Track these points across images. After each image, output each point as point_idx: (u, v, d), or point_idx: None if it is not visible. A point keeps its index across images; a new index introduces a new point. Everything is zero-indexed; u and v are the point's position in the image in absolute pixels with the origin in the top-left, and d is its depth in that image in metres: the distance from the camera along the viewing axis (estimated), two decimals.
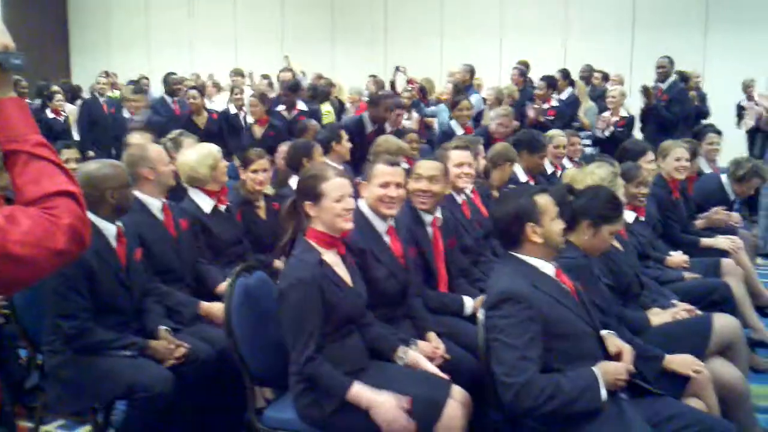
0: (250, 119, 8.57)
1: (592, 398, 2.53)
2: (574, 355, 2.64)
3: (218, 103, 10.41)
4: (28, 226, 1.48)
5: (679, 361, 3.11)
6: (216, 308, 3.72)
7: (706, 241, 5.21)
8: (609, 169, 3.89)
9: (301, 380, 2.82)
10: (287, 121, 8.53)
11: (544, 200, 2.78)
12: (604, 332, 2.89)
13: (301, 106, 8.99)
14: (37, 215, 1.51)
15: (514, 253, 2.80)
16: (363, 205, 3.48)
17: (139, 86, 9.39)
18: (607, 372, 2.63)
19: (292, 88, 9.16)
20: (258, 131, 7.93)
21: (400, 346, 3.09)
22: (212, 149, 4.38)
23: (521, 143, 5.89)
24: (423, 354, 3.15)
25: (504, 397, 2.54)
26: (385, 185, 3.40)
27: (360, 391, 2.76)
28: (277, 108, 8.87)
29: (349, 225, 2.97)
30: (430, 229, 3.84)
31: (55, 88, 10.24)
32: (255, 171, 4.67)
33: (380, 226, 3.46)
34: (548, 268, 2.79)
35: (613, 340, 2.90)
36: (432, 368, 3.04)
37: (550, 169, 6.44)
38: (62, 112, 9.33)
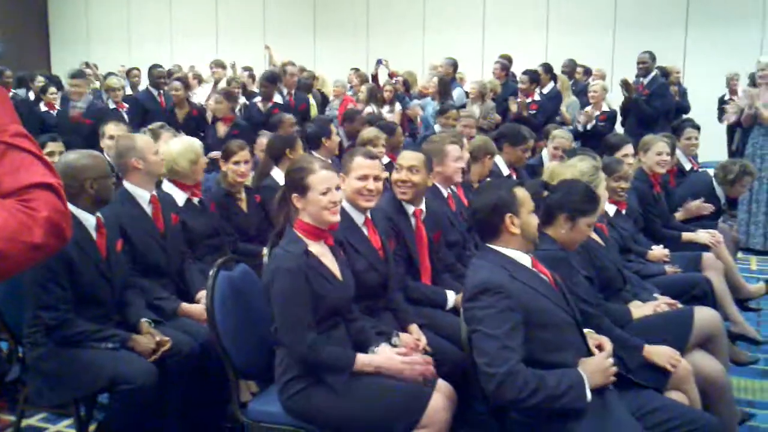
0: None
1: (577, 398, 2.53)
2: (555, 345, 2.65)
3: (200, 95, 10.33)
4: (2, 219, 1.41)
5: (658, 353, 3.13)
6: (196, 311, 3.71)
7: (687, 236, 5.25)
8: (591, 162, 3.90)
9: (302, 367, 2.82)
10: (263, 113, 8.35)
11: (522, 193, 2.81)
12: (585, 330, 2.89)
13: (278, 98, 8.76)
14: (12, 207, 1.44)
15: (491, 245, 2.81)
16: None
17: (79, 71, 9.12)
18: (592, 370, 2.63)
19: (270, 79, 8.78)
20: (222, 130, 7.60)
21: (374, 343, 3.07)
22: (195, 144, 4.36)
23: (504, 137, 5.91)
24: (406, 346, 3.15)
25: (487, 387, 2.54)
26: (364, 178, 3.41)
27: (363, 359, 2.86)
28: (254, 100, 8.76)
29: (335, 218, 2.97)
30: (413, 220, 3.84)
31: (40, 78, 10.10)
32: (236, 163, 4.65)
33: (358, 219, 3.48)
34: (525, 259, 2.80)
35: (591, 335, 2.91)
36: (399, 361, 2.95)
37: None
38: (56, 106, 9.19)
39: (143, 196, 3.82)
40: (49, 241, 1.47)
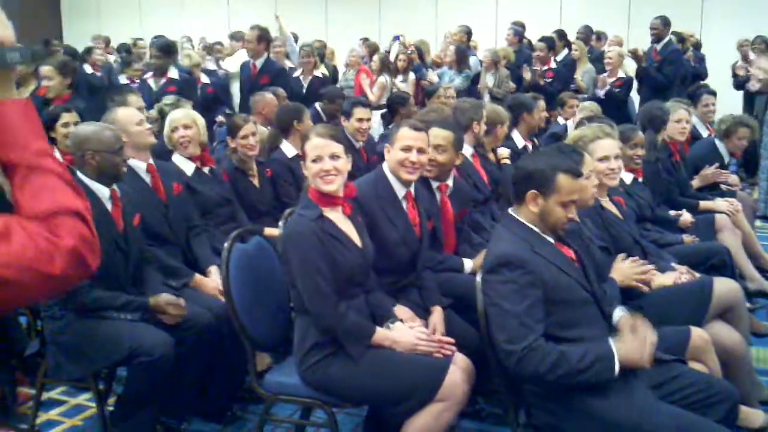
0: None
1: (603, 370, 2.48)
2: (573, 322, 2.61)
3: (211, 66, 10.25)
4: (19, 245, 1.28)
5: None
6: (209, 285, 3.73)
7: (704, 204, 5.20)
8: (594, 129, 3.79)
9: (323, 327, 2.82)
10: (153, 92, 7.06)
11: (566, 181, 2.64)
12: (618, 311, 2.80)
13: (173, 73, 7.26)
14: (35, 233, 1.31)
15: (514, 214, 2.75)
16: (385, 168, 3.46)
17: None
18: (629, 348, 2.54)
19: (165, 50, 7.25)
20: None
21: (389, 318, 3.06)
22: (195, 116, 4.37)
23: (521, 106, 5.84)
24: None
25: (507, 363, 2.53)
26: (407, 149, 3.37)
27: (380, 333, 2.88)
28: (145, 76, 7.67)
29: (328, 187, 2.91)
30: (438, 195, 3.81)
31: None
32: (244, 137, 4.57)
33: (399, 191, 3.43)
34: (548, 237, 2.73)
35: (628, 321, 2.72)
36: (415, 337, 2.94)
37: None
38: (99, 67, 9.13)
39: (140, 166, 3.82)
40: (69, 273, 1.34)
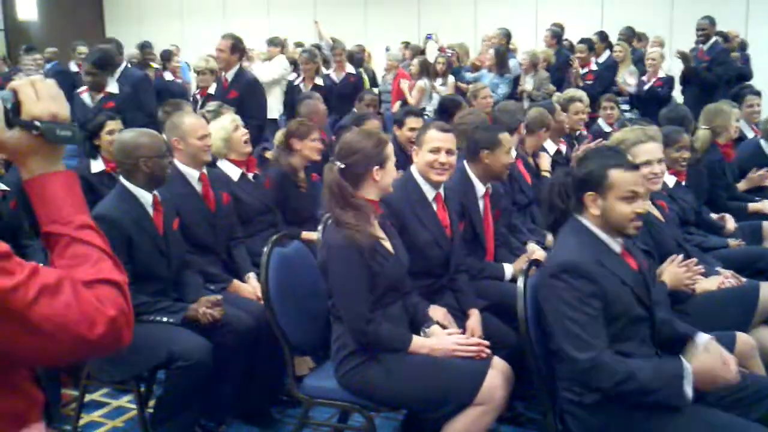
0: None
1: (673, 396, 2.39)
2: (626, 337, 2.55)
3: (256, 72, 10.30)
4: (64, 303, 1.28)
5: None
6: (246, 290, 3.76)
7: (753, 206, 5.10)
8: (636, 132, 3.72)
9: (359, 343, 2.80)
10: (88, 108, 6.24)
11: (619, 176, 2.60)
12: (704, 338, 2.66)
13: (113, 88, 6.33)
14: (85, 298, 1.31)
15: (581, 219, 2.69)
16: (414, 171, 3.46)
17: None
18: (704, 370, 2.43)
19: (99, 64, 6.29)
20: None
21: (425, 323, 3.06)
22: (224, 122, 4.33)
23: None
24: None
25: (573, 370, 2.49)
26: (436, 151, 3.36)
27: (418, 341, 2.86)
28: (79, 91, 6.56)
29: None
30: (481, 201, 3.79)
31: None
32: (314, 139, 4.59)
33: (429, 193, 3.43)
34: (615, 245, 2.67)
35: (711, 347, 2.58)
36: (452, 343, 2.91)
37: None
38: (180, 75, 9.23)
39: (192, 174, 3.84)
40: (105, 342, 1.34)
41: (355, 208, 2.84)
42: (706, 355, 2.51)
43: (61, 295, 1.28)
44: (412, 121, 5.40)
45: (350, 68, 9.25)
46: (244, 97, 6.54)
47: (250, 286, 3.80)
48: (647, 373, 2.40)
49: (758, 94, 6.67)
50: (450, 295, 3.41)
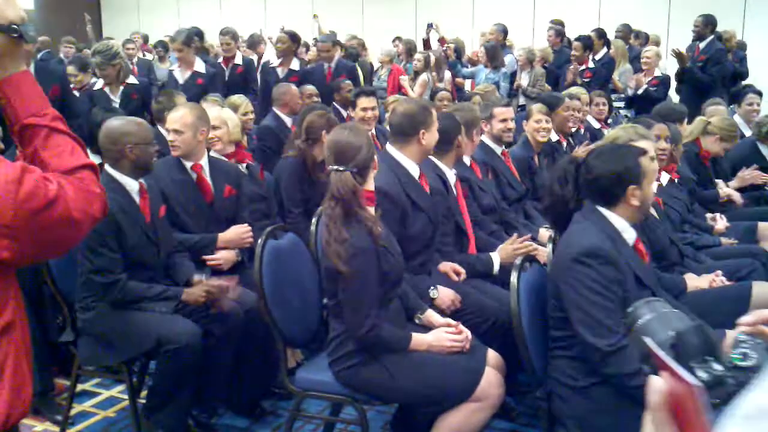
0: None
1: None
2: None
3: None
4: (73, 193, 1.56)
5: None
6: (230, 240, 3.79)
7: (724, 191, 5.28)
8: (628, 130, 3.71)
9: (359, 345, 2.79)
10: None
11: (647, 162, 2.72)
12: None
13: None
14: (76, 184, 1.59)
15: (602, 210, 2.71)
16: (392, 151, 3.45)
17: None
18: None
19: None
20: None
21: (417, 312, 3.08)
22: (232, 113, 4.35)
23: (552, 104, 5.77)
24: (441, 303, 3.27)
25: (591, 357, 2.51)
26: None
27: (417, 339, 2.85)
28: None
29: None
30: (453, 189, 3.80)
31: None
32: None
33: (414, 171, 3.44)
34: (630, 235, 2.72)
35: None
36: (448, 340, 2.91)
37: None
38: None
39: (187, 163, 3.82)
40: (100, 215, 1.63)
41: (365, 205, 2.82)
42: None
43: (67, 188, 1.57)
44: (364, 101, 5.45)
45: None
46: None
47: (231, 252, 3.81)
48: None
49: (759, 93, 6.68)
50: (436, 257, 3.53)
